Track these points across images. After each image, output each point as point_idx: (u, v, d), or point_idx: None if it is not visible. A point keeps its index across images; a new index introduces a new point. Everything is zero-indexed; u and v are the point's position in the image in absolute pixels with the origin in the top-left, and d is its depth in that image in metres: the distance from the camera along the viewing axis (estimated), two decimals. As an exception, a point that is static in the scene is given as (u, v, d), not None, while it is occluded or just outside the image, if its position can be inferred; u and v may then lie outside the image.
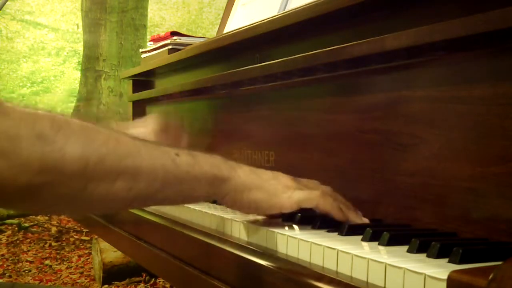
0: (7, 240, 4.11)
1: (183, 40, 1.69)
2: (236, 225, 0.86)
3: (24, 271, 3.49)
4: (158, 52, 1.75)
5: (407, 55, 0.79)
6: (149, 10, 6.36)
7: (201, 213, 0.98)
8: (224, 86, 1.28)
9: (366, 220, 0.80)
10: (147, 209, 1.18)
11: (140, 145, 0.66)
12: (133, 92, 1.88)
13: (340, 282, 0.60)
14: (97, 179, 0.61)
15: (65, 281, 3.26)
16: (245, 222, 0.84)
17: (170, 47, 1.68)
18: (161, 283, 2.93)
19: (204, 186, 0.72)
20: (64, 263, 3.64)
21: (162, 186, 0.67)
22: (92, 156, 0.60)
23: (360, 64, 0.89)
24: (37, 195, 0.59)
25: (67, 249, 3.93)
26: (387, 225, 0.81)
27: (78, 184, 0.60)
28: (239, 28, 1.25)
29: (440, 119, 0.76)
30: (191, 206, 1.03)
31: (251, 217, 0.90)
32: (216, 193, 0.74)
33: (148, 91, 1.79)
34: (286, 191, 0.78)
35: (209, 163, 0.72)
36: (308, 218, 0.82)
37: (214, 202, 1.08)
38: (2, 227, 4.31)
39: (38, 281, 3.28)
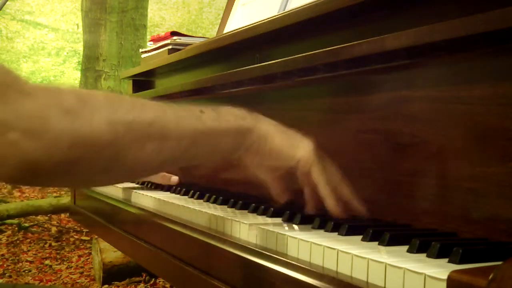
0: (7, 240, 4.11)
1: (183, 40, 1.69)
2: (236, 225, 0.86)
3: (24, 271, 3.49)
4: (158, 52, 1.75)
5: (407, 55, 0.79)
6: (149, 10, 6.35)
7: (201, 213, 0.98)
8: (224, 86, 1.28)
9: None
10: (147, 209, 1.18)
11: (165, 108, 0.67)
12: (133, 92, 1.88)
13: (340, 282, 0.60)
14: (128, 146, 0.62)
15: (65, 281, 3.26)
16: (244, 222, 0.84)
17: (170, 47, 1.68)
18: (161, 283, 2.93)
19: (231, 138, 0.72)
20: (64, 263, 3.64)
21: (191, 144, 0.68)
22: (120, 125, 0.61)
23: (360, 64, 0.89)
24: (73, 169, 0.60)
25: (67, 249, 3.93)
26: (387, 225, 0.81)
27: (110, 153, 0.61)
28: (239, 28, 1.25)
29: (440, 119, 0.76)
30: (191, 206, 1.03)
31: (251, 217, 0.91)
32: (242, 143, 0.74)
33: (148, 91, 1.79)
34: (303, 146, 0.78)
35: (233, 116, 0.73)
36: (308, 218, 0.82)
37: (215, 202, 1.08)
38: (2, 227, 4.31)
39: (38, 281, 3.28)
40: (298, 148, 0.78)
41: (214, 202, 1.08)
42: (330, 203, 0.78)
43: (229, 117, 0.73)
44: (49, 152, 0.57)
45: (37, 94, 0.57)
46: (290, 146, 0.77)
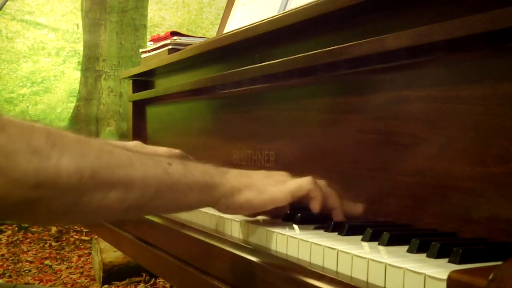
0: (7, 240, 4.11)
1: (183, 40, 1.69)
2: (236, 224, 0.86)
3: (24, 271, 3.49)
4: (158, 52, 1.75)
5: (407, 55, 0.79)
6: (149, 10, 6.35)
7: (201, 213, 0.98)
8: (224, 86, 1.28)
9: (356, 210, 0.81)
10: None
11: (132, 156, 0.67)
12: (133, 92, 1.88)
13: (340, 282, 0.60)
14: (91, 192, 0.62)
15: (65, 281, 3.26)
16: (244, 222, 0.84)
17: (170, 47, 1.68)
18: (161, 283, 2.93)
19: (196, 193, 0.73)
20: (64, 263, 3.63)
21: (155, 195, 0.68)
22: (86, 170, 0.61)
23: (360, 64, 0.89)
24: (32, 209, 0.60)
25: (67, 249, 3.93)
26: (387, 225, 0.81)
27: (73, 197, 0.61)
28: (239, 28, 1.25)
29: (440, 119, 0.76)
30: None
31: (251, 217, 0.90)
32: (209, 199, 0.76)
33: (148, 91, 1.79)
34: (278, 184, 0.78)
35: (200, 171, 0.74)
36: (308, 218, 0.82)
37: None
38: (2, 227, 4.31)
39: (38, 281, 3.28)
40: (271, 191, 0.77)
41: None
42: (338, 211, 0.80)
43: (195, 172, 0.73)
44: (11, 189, 0.56)
45: (9, 130, 0.57)
46: (260, 193, 0.77)
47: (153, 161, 0.69)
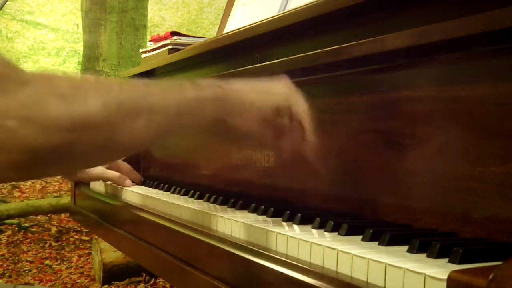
0: (7, 240, 4.11)
1: (183, 40, 1.69)
2: (236, 224, 0.86)
3: (24, 271, 3.49)
4: (158, 52, 1.75)
5: (407, 55, 0.79)
6: (149, 10, 6.35)
7: (201, 213, 0.98)
8: (224, 86, 1.28)
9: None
10: (147, 208, 1.18)
11: (150, 84, 0.73)
12: (133, 92, 1.87)
13: (340, 282, 0.60)
14: (120, 123, 0.67)
15: (65, 281, 3.26)
16: (245, 222, 0.84)
17: (170, 47, 1.68)
18: (161, 283, 2.93)
19: (211, 104, 0.77)
20: (64, 263, 3.64)
21: (176, 115, 0.73)
22: (111, 104, 0.66)
23: (360, 64, 0.89)
24: (71, 152, 0.64)
25: (67, 249, 3.93)
26: (387, 225, 0.81)
27: (106, 132, 0.66)
28: (239, 28, 1.25)
29: (440, 119, 0.76)
30: (192, 206, 1.03)
31: (251, 217, 0.90)
32: (223, 109, 0.79)
33: (148, 91, 1.78)
34: (281, 88, 0.85)
35: (209, 85, 0.78)
36: (308, 218, 0.82)
37: (215, 202, 1.08)
38: (2, 227, 4.31)
39: (38, 281, 3.28)
40: (273, 94, 0.83)
41: (215, 202, 1.08)
42: (308, 131, 0.84)
43: (206, 87, 0.78)
44: (48, 137, 0.60)
45: (34, 82, 0.61)
46: (265, 95, 0.83)
47: (168, 85, 0.75)
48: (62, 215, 4.49)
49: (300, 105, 0.85)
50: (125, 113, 0.67)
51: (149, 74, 1.79)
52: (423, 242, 0.62)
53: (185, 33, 1.77)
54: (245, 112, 0.81)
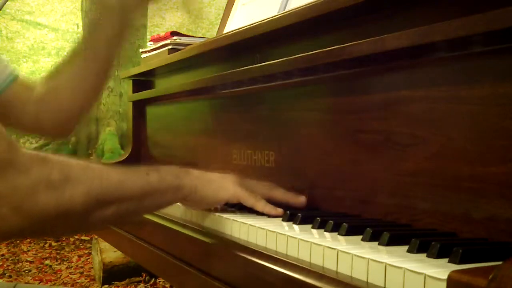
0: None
1: (183, 40, 1.69)
2: (236, 225, 0.87)
3: (24, 271, 3.49)
4: (158, 52, 1.75)
5: (407, 55, 0.79)
6: (149, 10, 6.35)
7: (202, 213, 0.98)
8: (224, 86, 1.28)
9: (279, 211, 0.93)
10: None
11: (122, 177, 0.81)
12: (133, 92, 1.88)
13: (340, 282, 0.60)
14: (94, 211, 0.76)
15: (65, 281, 3.26)
16: (245, 222, 0.84)
17: (170, 47, 1.68)
18: (161, 283, 2.93)
19: (170, 194, 0.89)
20: (64, 263, 3.63)
21: (140, 202, 0.83)
22: (92, 196, 0.74)
23: (360, 64, 0.89)
24: (49, 232, 0.78)
25: (67, 249, 3.93)
26: (387, 225, 0.81)
27: (82, 217, 0.75)
28: (239, 28, 1.25)
29: (440, 119, 0.76)
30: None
31: (251, 218, 0.91)
32: (178, 197, 0.91)
33: (148, 91, 1.79)
34: (229, 187, 0.95)
35: (171, 175, 0.89)
36: (308, 218, 0.82)
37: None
38: (2, 227, 4.30)
39: (38, 281, 3.28)
40: (223, 190, 0.94)
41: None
42: (268, 211, 0.93)
43: (168, 177, 0.88)
44: (33, 223, 0.68)
45: (30, 171, 0.68)
46: (216, 191, 0.94)
47: (136, 176, 0.84)
48: (62, 215, 4.48)
49: (249, 197, 0.94)
50: (101, 203, 0.76)
51: (149, 74, 1.79)
52: (423, 242, 0.62)
53: (185, 33, 1.77)
54: (198, 203, 0.96)
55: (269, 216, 0.93)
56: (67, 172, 0.72)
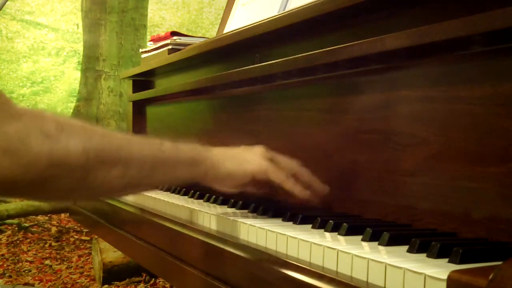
0: (7, 240, 4.11)
1: (183, 40, 1.69)
2: (236, 225, 0.86)
3: (24, 271, 3.49)
4: (158, 52, 1.75)
5: (407, 55, 0.79)
6: (149, 10, 6.35)
7: (202, 213, 0.98)
8: (224, 86, 1.28)
9: (307, 194, 0.88)
10: (147, 208, 1.18)
11: (130, 139, 0.76)
12: (133, 92, 1.88)
13: (340, 282, 0.60)
14: (96, 170, 0.70)
15: (65, 281, 3.26)
16: (246, 222, 0.84)
17: (170, 47, 1.68)
18: (161, 283, 2.93)
19: (186, 167, 0.82)
20: (64, 263, 3.63)
21: (151, 171, 0.77)
22: (91, 150, 0.69)
23: (360, 64, 0.89)
24: (45, 187, 0.68)
25: (67, 249, 3.93)
26: (387, 225, 0.81)
27: (80, 174, 0.69)
28: (239, 28, 1.25)
29: (440, 119, 0.76)
30: (191, 206, 1.03)
31: (251, 217, 0.91)
32: (197, 172, 0.84)
33: (148, 91, 1.79)
34: (255, 159, 0.87)
35: (188, 148, 0.83)
36: (308, 218, 0.82)
37: (215, 202, 1.08)
38: (2, 227, 4.31)
39: (38, 281, 3.28)
40: (248, 163, 0.87)
41: (215, 202, 1.08)
42: (297, 192, 0.87)
43: (184, 149, 0.82)
44: (26, 170, 0.64)
45: (23, 118, 0.65)
46: (240, 165, 0.87)
47: (148, 141, 0.78)
48: (62, 215, 4.48)
49: (278, 171, 0.87)
50: (102, 161, 0.71)
51: (149, 74, 1.79)
52: (423, 242, 0.62)
53: (185, 33, 1.77)
54: (221, 178, 0.87)
55: (297, 197, 0.86)
56: (62, 124, 0.68)
